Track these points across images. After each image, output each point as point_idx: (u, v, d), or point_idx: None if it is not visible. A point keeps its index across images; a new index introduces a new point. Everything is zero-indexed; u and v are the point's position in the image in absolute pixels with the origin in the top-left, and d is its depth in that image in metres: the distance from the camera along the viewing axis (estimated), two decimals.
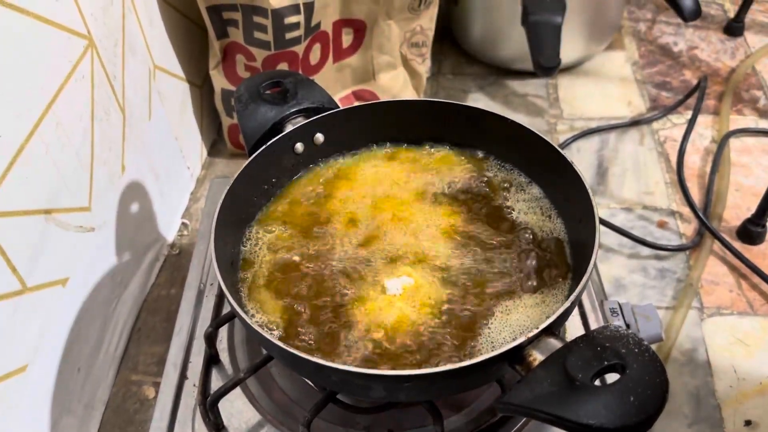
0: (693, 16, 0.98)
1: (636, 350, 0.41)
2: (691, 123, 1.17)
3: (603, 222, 0.99)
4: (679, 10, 0.99)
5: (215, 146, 1.18)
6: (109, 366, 0.83)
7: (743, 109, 1.22)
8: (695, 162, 1.12)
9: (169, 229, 1.01)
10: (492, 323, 0.54)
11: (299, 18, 0.95)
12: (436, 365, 0.49)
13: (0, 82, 0.59)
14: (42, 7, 0.65)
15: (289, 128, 0.66)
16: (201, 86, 1.11)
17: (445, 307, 0.55)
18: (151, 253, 0.95)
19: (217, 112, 1.12)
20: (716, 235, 0.97)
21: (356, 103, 1.12)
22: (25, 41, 0.63)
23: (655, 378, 0.40)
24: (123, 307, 0.87)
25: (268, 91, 0.68)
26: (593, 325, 0.66)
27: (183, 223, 1.04)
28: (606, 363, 0.41)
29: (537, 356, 0.45)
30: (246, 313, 0.53)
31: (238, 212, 0.62)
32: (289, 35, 0.96)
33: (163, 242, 0.99)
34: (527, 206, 0.64)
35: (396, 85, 1.15)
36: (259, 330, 0.49)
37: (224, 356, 0.65)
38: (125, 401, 0.82)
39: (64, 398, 0.73)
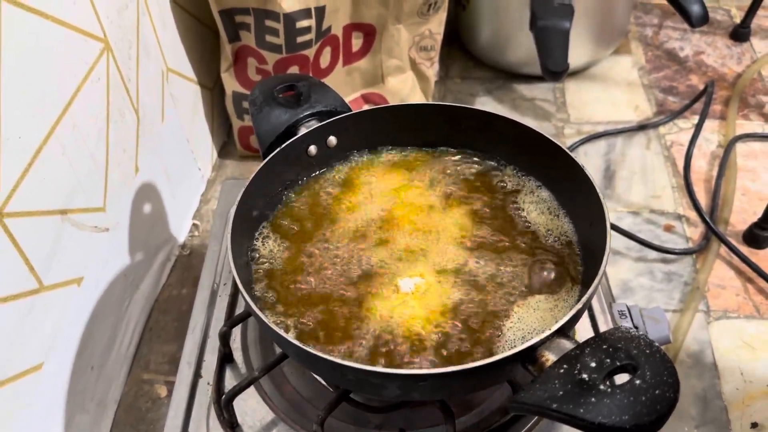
0: (701, 21, 0.99)
1: (647, 351, 0.42)
2: (698, 128, 1.18)
3: (611, 225, 1.00)
4: (686, 16, 1.00)
5: (225, 148, 1.19)
6: (121, 365, 0.84)
7: (749, 114, 1.23)
8: (702, 166, 1.13)
9: (180, 229, 1.02)
10: (503, 324, 0.54)
11: (310, 22, 0.96)
12: (450, 365, 0.49)
13: (19, 84, 0.60)
14: (59, 9, 0.66)
15: (302, 131, 0.66)
16: (212, 89, 1.12)
17: (457, 308, 0.56)
18: (163, 253, 0.96)
19: (227, 115, 1.13)
20: (723, 239, 0.97)
21: (365, 107, 1.13)
22: (43, 43, 0.64)
23: (666, 378, 0.41)
24: (135, 306, 0.88)
25: (281, 95, 0.69)
26: (602, 327, 0.67)
27: (194, 224, 1.05)
28: (618, 363, 0.42)
29: (549, 357, 0.45)
30: (262, 312, 0.54)
31: (252, 213, 0.63)
32: (300, 39, 0.97)
33: (175, 243, 1.00)
34: (537, 209, 0.65)
35: (404, 88, 1.16)
36: (276, 328, 0.50)
37: (238, 355, 0.66)
38: (137, 400, 0.83)
39: (78, 396, 0.73)
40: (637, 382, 0.40)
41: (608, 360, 0.42)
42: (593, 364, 0.42)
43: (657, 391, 0.40)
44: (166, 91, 0.94)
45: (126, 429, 0.81)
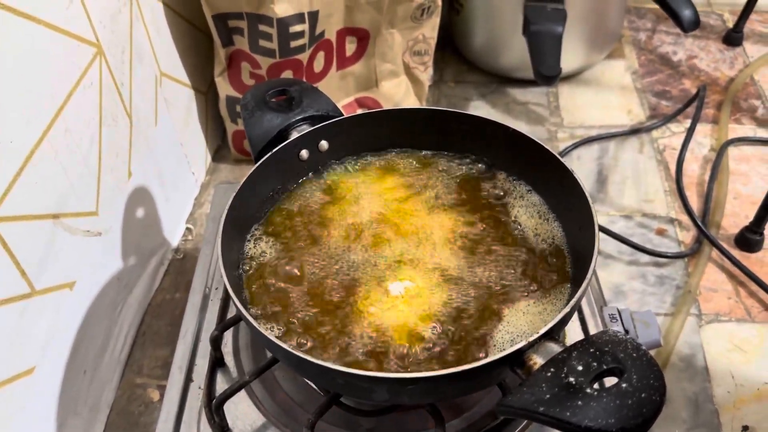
0: (692, 26, 1.00)
1: (634, 354, 0.42)
2: (690, 132, 1.18)
3: (602, 229, 1.00)
4: (678, 21, 1.00)
5: (219, 152, 1.20)
6: (114, 369, 0.84)
7: (741, 118, 1.23)
8: (694, 170, 1.13)
9: (174, 233, 1.02)
10: (493, 328, 0.55)
11: (304, 27, 0.96)
12: (439, 368, 0.49)
13: (12, 88, 0.60)
14: (53, 15, 0.66)
15: (294, 135, 0.67)
16: (206, 93, 1.12)
17: (447, 311, 0.56)
18: (156, 257, 0.96)
19: (221, 119, 1.13)
20: (714, 243, 0.98)
21: (359, 111, 1.14)
22: (37, 49, 0.64)
23: (652, 382, 0.41)
24: (128, 310, 0.88)
25: (274, 99, 0.69)
26: (592, 331, 0.67)
27: (187, 228, 1.05)
28: (604, 367, 0.42)
29: (537, 360, 0.46)
30: (252, 316, 0.54)
31: (243, 217, 0.63)
32: (293, 44, 0.97)
33: (168, 247, 1.00)
34: (527, 213, 0.65)
35: (398, 92, 1.16)
36: (265, 333, 0.50)
37: (229, 359, 0.66)
38: (130, 404, 0.83)
39: (70, 400, 0.73)
40: (624, 385, 0.40)
41: (595, 363, 0.42)
42: (580, 368, 0.42)
43: (643, 395, 0.40)
44: (159, 96, 0.94)
45: None
